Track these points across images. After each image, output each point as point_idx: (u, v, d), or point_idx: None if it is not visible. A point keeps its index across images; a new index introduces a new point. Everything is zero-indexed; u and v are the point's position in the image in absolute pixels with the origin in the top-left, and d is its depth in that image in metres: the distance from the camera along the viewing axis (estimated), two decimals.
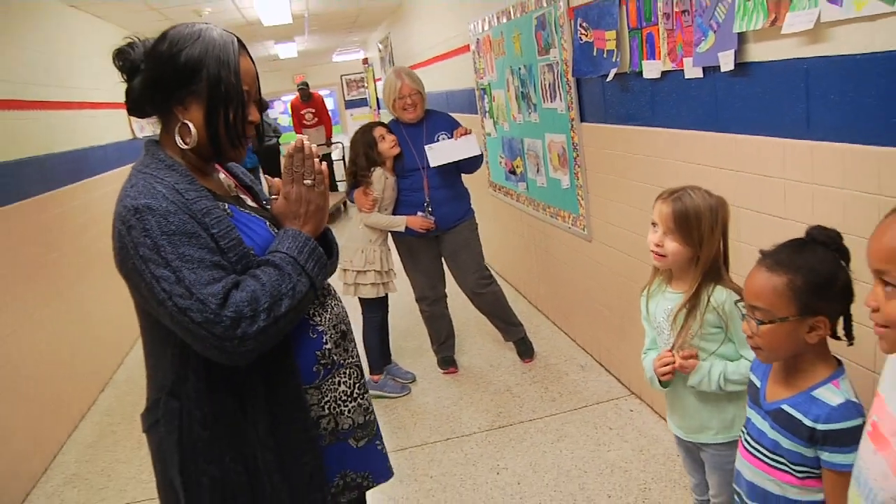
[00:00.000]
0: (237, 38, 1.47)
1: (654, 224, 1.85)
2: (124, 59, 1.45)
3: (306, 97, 11.19)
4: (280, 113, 16.15)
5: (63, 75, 4.89)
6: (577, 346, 4.07)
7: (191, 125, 1.41)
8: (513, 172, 4.66)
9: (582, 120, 3.46)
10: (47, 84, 4.54)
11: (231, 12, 7.05)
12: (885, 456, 1.08)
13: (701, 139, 2.49)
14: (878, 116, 1.73)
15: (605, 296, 3.54)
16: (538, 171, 4.14)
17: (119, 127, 6.05)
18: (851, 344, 1.37)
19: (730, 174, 2.34)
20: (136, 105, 1.47)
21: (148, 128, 7.05)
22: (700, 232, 1.77)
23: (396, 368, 3.94)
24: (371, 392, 3.74)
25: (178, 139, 1.42)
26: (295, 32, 9.87)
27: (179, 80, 1.40)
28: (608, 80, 3.03)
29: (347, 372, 1.58)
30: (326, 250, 1.52)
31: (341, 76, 17.98)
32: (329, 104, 19.86)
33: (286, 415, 1.46)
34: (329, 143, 11.15)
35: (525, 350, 3.99)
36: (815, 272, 1.33)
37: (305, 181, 1.48)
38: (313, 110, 11.16)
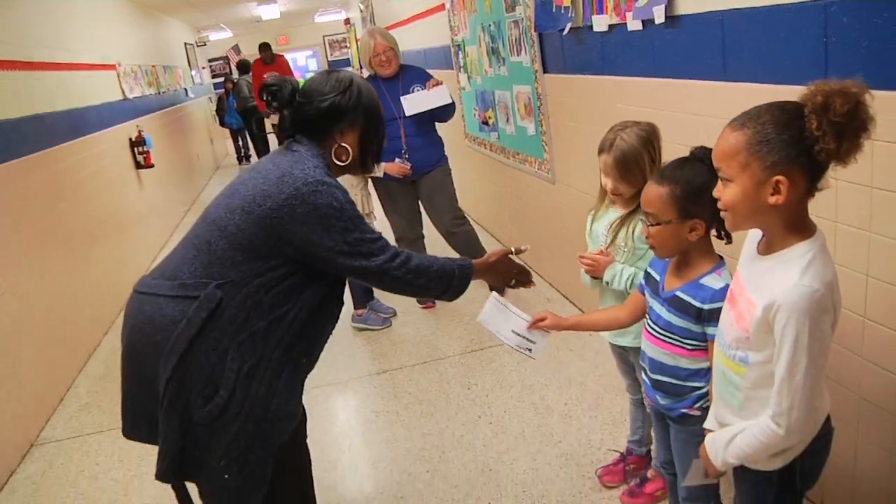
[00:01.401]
0: None
1: (605, 173, 2.11)
2: (275, 96, 1.91)
3: (269, 59, 10.29)
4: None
5: (59, 37, 5.15)
6: (545, 282, 4.43)
7: (349, 147, 1.92)
8: (485, 123, 4.96)
9: (545, 71, 3.76)
10: (45, 45, 4.79)
11: None
12: (732, 311, 1.43)
13: (642, 85, 2.80)
14: (777, 60, 2.02)
15: (568, 233, 3.88)
16: (507, 120, 4.45)
17: (111, 88, 6.29)
18: (729, 243, 1.70)
19: (666, 115, 2.63)
20: (289, 129, 1.94)
21: (137, 89, 7.30)
22: (642, 168, 2.04)
23: (378, 304, 4.28)
24: (355, 325, 4.14)
25: (334, 159, 1.92)
26: None
27: (344, 112, 1.90)
28: (565, 33, 3.33)
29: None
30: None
31: (324, 37, 18.04)
32: (312, 65, 19.93)
33: (302, 351, 1.84)
34: None
35: (497, 286, 4.33)
36: (692, 183, 1.63)
37: (512, 281, 2.16)
38: (277, 74, 10.44)
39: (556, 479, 2.63)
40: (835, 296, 1.29)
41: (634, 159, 2.03)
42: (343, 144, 1.91)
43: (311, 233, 1.73)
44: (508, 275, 2.15)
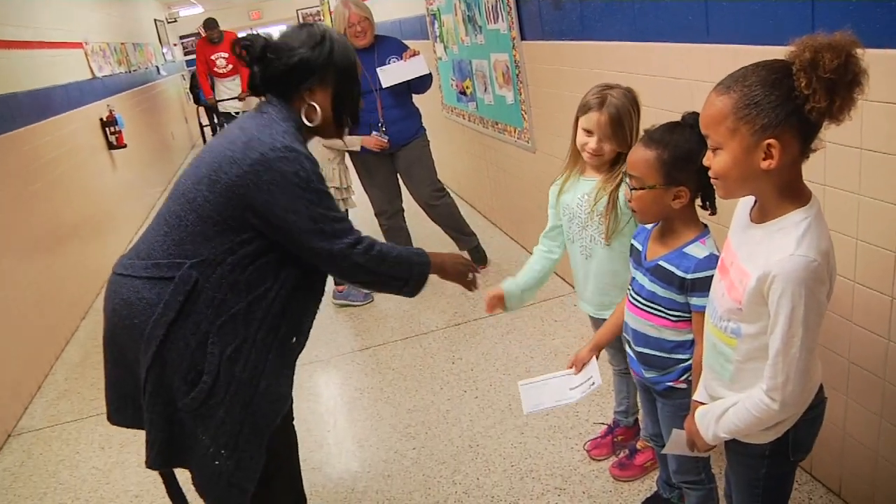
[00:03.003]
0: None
1: (588, 132, 2.05)
2: (248, 49, 1.78)
3: (217, 38, 8.79)
4: None
5: (22, 14, 4.98)
6: (527, 253, 4.37)
7: (317, 107, 1.79)
8: (463, 93, 4.88)
9: (522, 38, 3.68)
10: (7, 23, 4.64)
11: None
12: (724, 281, 1.39)
13: (622, 49, 2.74)
14: (762, 20, 1.97)
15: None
16: (486, 90, 4.37)
17: (79, 67, 6.13)
18: (713, 213, 1.66)
19: (648, 79, 2.59)
20: (259, 87, 1.83)
21: (106, 67, 7.12)
22: (630, 128, 2.00)
23: None
24: (336, 301, 4.08)
25: (304, 119, 1.79)
26: None
27: (313, 69, 1.77)
28: None
29: None
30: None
31: (297, 10, 17.72)
32: None
33: (289, 331, 1.79)
34: (242, 98, 8.79)
35: (479, 258, 4.29)
36: (680, 148, 1.58)
37: (469, 280, 2.11)
38: (226, 55, 8.83)
39: (544, 452, 2.61)
40: (830, 264, 1.25)
41: (627, 117, 2.00)
42: (312, 104, 1.79)
43: (274, 203, 1.64)
44: (461, 273, 2.10)
